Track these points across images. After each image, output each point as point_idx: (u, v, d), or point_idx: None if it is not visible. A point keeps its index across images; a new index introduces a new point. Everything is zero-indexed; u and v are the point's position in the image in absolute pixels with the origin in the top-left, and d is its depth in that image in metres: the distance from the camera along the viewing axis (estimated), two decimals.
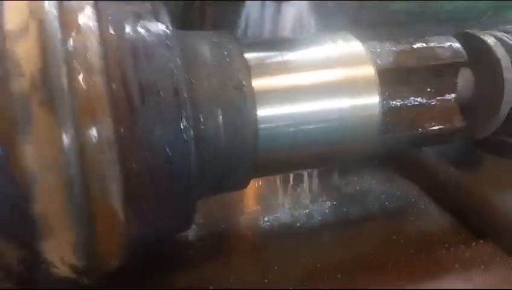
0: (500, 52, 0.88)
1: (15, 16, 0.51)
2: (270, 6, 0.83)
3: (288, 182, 1.11)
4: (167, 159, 0.60)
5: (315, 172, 1.14)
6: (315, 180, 1.14)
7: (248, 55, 0.71)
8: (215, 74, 0.67)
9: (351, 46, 0.79)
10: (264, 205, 1.07)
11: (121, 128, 0.56)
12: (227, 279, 0.85)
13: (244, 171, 0.75)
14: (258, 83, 0.71)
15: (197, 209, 0.69)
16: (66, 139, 0.51)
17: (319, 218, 1.05)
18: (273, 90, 0.73)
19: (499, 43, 0.90)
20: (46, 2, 0.52)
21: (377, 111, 0.79)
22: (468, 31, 0.96)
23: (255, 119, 0.70)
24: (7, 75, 0.49)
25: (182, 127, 0.60)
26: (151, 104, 0.58)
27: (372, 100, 0.79)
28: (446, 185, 1.09)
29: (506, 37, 0.94)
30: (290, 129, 0.74)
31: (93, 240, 0.58)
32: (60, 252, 0.58)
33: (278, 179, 1.11)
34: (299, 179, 1.12)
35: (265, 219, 1.02)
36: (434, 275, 0.87)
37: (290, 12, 0.85)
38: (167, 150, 0.60)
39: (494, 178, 1.04)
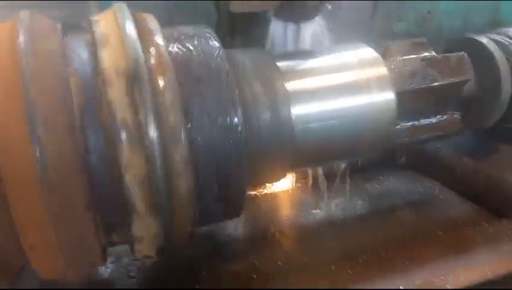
0: (493, 47, 1.02)
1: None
2: (291, 27, 1.00)
3: (320, 185, 1.23)
4: (222, 152, 0.73)
5: (344, 176, 1.25)
6: (344, 184, 1.25)
7: (280, 64, 0.86)
8: (256, 80, 0.82)
9: (364, 51, 0.94)
10: (300, 206, 1.19)
11: (189, 127, 0.70)
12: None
13: (283, 161, 0.87)
14: (291, 86, 0.85)
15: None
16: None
17: (352, 212, 1.16)
18: (303, 91, 0.87)
19: (491, 41, 1.04)
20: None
21: (393, 105, 0.91)
22: (467, 36, 1.10)
23: (290, 116, 0.84)
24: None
25: (235, 122, 0.73)
26: (209, 106, 0.72)
27: (388, 96, 0.92)
28: (464, 175, 1.19)
29: (498, 37, 1.08)
30: (319, 123, 0.87)
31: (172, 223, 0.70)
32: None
33: (312, 183, 1.23)
34: (330, 183, 1.23)
35: (306, 215, 1.14)
36: (461, 248, 0.95)
37: (308, 31, 1.02)
38: (222, 144, 0.73)
39: (509, 163, 1.14)
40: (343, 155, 0.98)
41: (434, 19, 1.40)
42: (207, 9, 1.10)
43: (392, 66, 0.95)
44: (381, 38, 1.30)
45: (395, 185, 1.30)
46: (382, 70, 0.92)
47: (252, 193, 1.19)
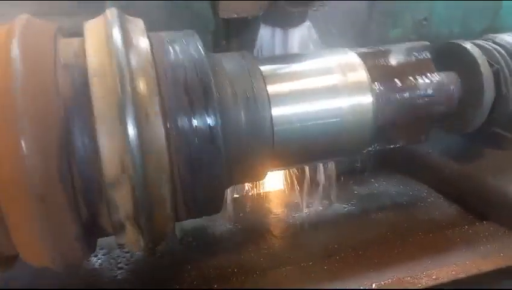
0: (476, 52, 1.04)
1: None
2: (279, 32, 1.04)
3: (310, 186, 1.26)
4: (200, 152, 0.76)
5: (333, 178, 1.28)
6: (333, 186, 1.28)
7: (263, 67, 0.90)
8: (238, 82, 0.86)
9: (347, 56, 0.97)
10: (287, 206, 1.23)
11: (169, 127, 0.74)
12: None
13: (263, 162, 0.91)
14: (272, 88, 0.88)
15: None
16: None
17: (339, 213, 1.20)
18: (284, 94, 0.90)
19: (475, 47, 1.06)
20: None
21: (370, 108, 0.94)
22: (450, 41, 1.12)
23: (270, 118, 0.87)
24: None
25: (212, 125, 0.77)
26: (188, 108, 0.76)
27: (366, 99, 0.95)
28: (451, 179, 1.21)
29: (484, 43, 1.10)
30: (299, 125, 0.91)
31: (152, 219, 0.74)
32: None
33: (301, 184, 1.26)
34: (319, 184, 1.25)
35: (293, 215, 1.19)
36: (439, 249, 0.98)
37: (295, 36, 1.06)
38: (201, 144, 0.77)
39: (493, 166, 1.15)
40: (323, 156, 1.01)
41: (432, 24, 1.42)
42: (206, 15, 1.14)
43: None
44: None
45: (385, 187, 1.33)
46: (362, 74, 0.95)
47: (238, 193, 1.23)
